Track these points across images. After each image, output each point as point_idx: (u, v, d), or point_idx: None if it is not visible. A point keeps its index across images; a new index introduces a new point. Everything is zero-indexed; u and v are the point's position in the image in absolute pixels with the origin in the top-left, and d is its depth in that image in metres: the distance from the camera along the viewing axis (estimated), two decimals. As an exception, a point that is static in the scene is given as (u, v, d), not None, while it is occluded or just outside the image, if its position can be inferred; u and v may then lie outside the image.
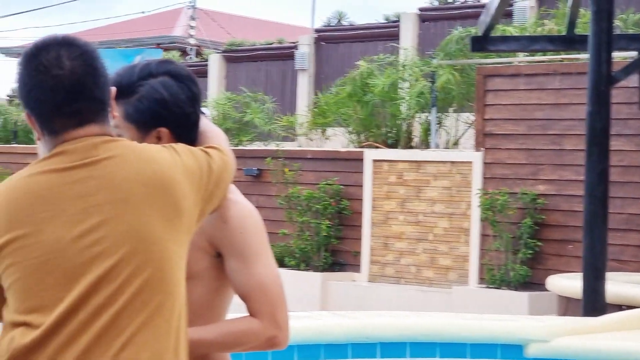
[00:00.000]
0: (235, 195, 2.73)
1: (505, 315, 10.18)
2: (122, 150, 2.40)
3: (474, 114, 14.00)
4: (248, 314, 2.69)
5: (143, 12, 34.46)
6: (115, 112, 2.49)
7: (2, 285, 2.37)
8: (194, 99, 2.75)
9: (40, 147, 2.44)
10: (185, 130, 2.73)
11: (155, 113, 2.70)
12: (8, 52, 31.86)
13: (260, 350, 2.72)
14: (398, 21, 19.07)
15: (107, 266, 2.31)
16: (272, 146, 16.05)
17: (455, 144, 15.12)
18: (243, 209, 2.71)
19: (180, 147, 2.52)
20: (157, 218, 2.36)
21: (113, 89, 2.46)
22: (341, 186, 14.46)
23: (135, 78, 2.70)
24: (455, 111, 15.16)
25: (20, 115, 20.52)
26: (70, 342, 2.27)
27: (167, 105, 2.71)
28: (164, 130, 2.70)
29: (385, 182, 14.26)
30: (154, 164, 2.39)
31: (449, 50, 14.81)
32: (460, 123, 15.16)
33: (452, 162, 13.73)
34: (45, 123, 2.39)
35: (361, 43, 19.41)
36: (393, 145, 15.11)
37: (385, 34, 19.04)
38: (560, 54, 13.34)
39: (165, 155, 2.43)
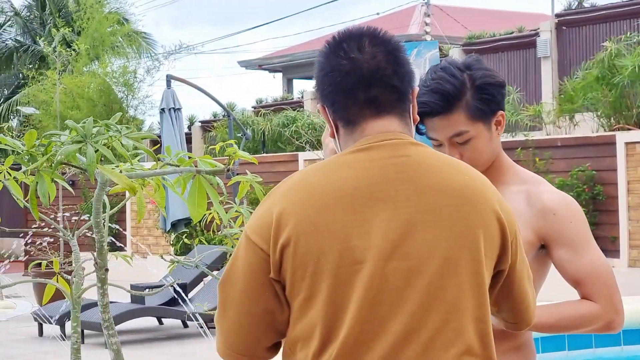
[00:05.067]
0: (549, 185, 2.78)
1: None
2: (431, 156, 2.21)
3: None
4: (582, 298, 2.74)
5: (378, 14, 34.77)
6: (416, 114, 2.30)
7: (288, 296, 2.16)
8: None
9: (335, 144, 2.30)
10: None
11: (499, 96, 2.78)
12: (248, 64, 32.85)
13: (595, 332, 2.78)
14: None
15: (413, 285, 2.10)
16: (519, 137, 15.88)
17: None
18: (567, 199, 2.78)
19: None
20: (467, 236, 2.14)
21: (416, 89, 2.30)
22: (594, 171, 14.15)
23: (459, 78, 2.75)
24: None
25: (268, 125, 21.15)
26: None
27: (504, 86, 2.81)
28: (502, 113, 2.78)
29: (639, 164, 13.86)
30: (465, 175, 2.21)
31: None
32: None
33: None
34: (340, 111, 2.24)
35: (605, 24, 18.92)
36: (646, 126, 14.66)
37: (630, 12, 18.47)
38: None
39: (476, 172, 2.25)
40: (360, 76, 2.20)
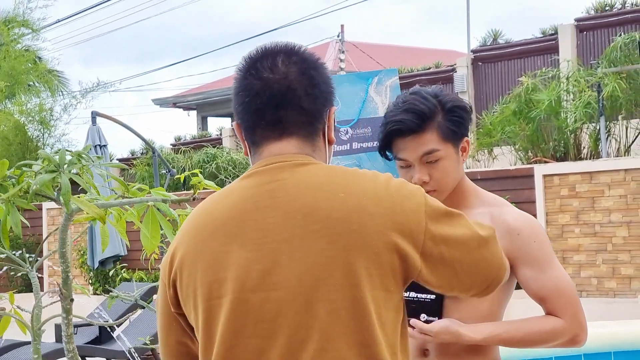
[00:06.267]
0: (512, 207, 2.88)
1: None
2: (312, 176, 2.10)
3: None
4: (546, 314, 2.85)
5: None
6: (332, 135, 2.23)
7: (190, 323, 2.17)
8: None
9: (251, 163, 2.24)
10: None
11: (467, 120, 2.91)
12: (163, 102, 32.78)
13: (561, 347, 2.87)
14: (555, 34, 18.98)
15: (284, 315, 2.03)
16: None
17: (627, 151, 14.92)
18: (530, 220, 2.88)
19: (402, 186, 2.14)
20: (339, 260, 2.03)
21: (333, 109, 2.22)
22: (513, 203, 14.39)
23: (431, 100, 2.87)
24: (624, 118, 14.98)
25: (188, 162, 21.13)
26: None
27: (470, 112, 2.92)
28: (468, 140, 2.89)
29: (557, 195, 14.16)
30: (341, 193, 2.07)
31: (614, 58, 14.68)
32: (630, 130, 14.97)
33: (626, 170, 13.54)
34: (248, 132, 2.18)
35: (519, 60, 19.38)
36: (562, 159, 15.01)
37: (543, 48, 18.99)
38: None
39: (361, 186, 2.10)
40: (269, 97, 2.13)
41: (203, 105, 31.88)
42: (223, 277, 2.05)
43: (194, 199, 3.50)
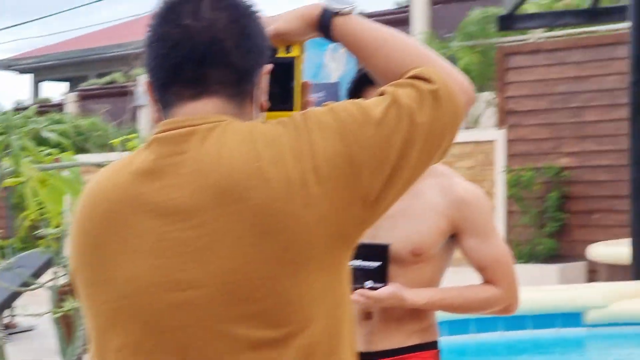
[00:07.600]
0: (460, 177, 2.97)
1: (560, 286, 10.43)
2: (221, 141, 1.66)
3: (493, 92, 14.20)
4: (483, 283, 2.99)
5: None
6: (265, 101, 1.78)
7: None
8: None
9: None
10: None
11: None
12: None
13: (495, 314, 3.04)
14: (408, 6, 19.23)
15: (195, 322, 1.64)
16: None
17: (475, 123, 15.31)
18: (478, 191, 3.00)
19: (316, 114, 1.69)
20: (262, 249, 1.63)
21: (267, 68, 1.77)
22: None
23: None
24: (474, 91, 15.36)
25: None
26: None
27: None
28: None
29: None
30: (257, 162, 1.64)
31: (469, 31, 15.02)
32: (479, 103, 15.36)
33: (475, 142, 13.88)
34: (161, 91, 1.75)
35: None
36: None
37: (396, 20, 19.18)
38: (578, 28, 13.57)
39: (280, 137, 1.66)
40: (190, 49, 1.70)
41: (40, 69, 31.09)
42: (118, 276, 1.67)
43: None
